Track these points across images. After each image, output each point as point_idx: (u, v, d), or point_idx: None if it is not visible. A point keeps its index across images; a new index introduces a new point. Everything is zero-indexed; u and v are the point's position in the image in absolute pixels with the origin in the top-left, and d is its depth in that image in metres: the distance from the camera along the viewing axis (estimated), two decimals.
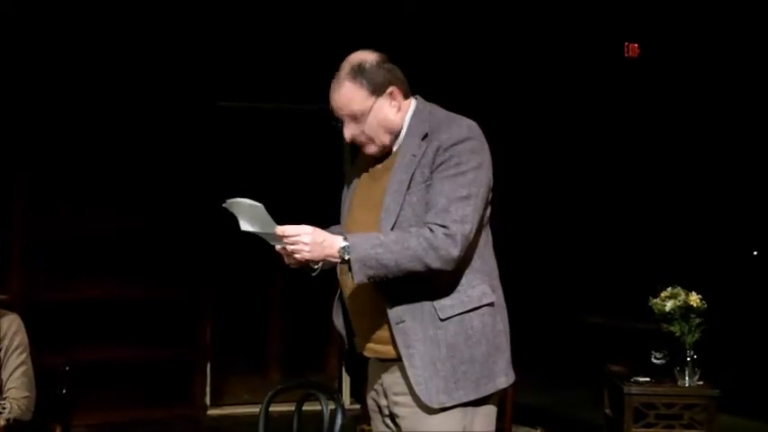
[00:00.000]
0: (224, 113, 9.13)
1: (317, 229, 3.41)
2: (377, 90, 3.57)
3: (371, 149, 3.64)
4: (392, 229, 3.46)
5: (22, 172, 8.27)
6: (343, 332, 3.82)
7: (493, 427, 3.66)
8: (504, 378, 3.61)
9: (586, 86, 9.70)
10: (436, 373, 3.45)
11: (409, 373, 3.47)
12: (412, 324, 3.46)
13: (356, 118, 3.58)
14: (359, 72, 3.57)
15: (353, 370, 3.88)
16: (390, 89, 3.59)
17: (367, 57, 3.61)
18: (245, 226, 3.47)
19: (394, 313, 3.47)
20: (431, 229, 3.39)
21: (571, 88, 9.75)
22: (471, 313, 3.50)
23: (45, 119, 8.44)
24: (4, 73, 8.20)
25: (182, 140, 8.85)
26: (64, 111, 8.53)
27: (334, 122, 3.66)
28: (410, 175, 3.50)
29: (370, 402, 3.81)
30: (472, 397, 3.50)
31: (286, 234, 3.38)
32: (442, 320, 3.46)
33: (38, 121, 8.40)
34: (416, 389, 3.46)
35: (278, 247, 3.52)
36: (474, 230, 3.47)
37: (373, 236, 3.42)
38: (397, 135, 3.62)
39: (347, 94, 3.57)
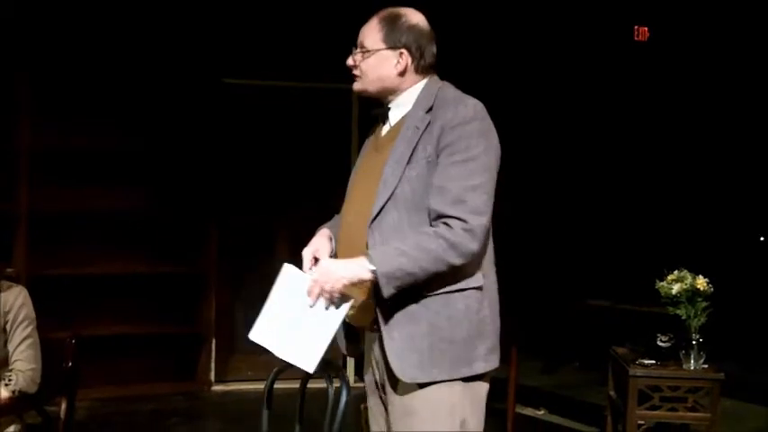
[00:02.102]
0: (229, 90, 9.12)
1: (333, 261, 3.50)
2: (390, 43, 3.61)
3: (357, 85, 3.70)
4: (387, 201, 3.46)
5: (28, 149, 8.27)
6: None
7: (483, 406, 3.63)
8: (482, 363, 3.53)
9: (595, 70, 9.67)
10: (413, 347, 3.43)
11: (386, 345, 3.46)
12: (397, 299, 3.41)
13: (362, 50, 3.64)
14: (389, 20, 3.64)
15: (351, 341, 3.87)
16: (402, 51, 3.61)
17: (410, 16, 3.68)
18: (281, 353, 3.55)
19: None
20: (448, 224, 3.37)
21: (580, 71, 9.72)
22: (456, 294, 3.47)
23: (48, 93, 8.45)
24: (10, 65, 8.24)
25: (187, 117, 8.86)
26: (69, 87, 8.54)
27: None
28: (411, 148, 3.49)
29: (367, 378, 3.81)
30: (445, 377, 3.46)
31: (312, 292, 3.43)
32: (425, 297, 3.43)
33: (43, 96, 8.41)
34: (390, 361, 3.45)
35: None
36: (489, 219, 3.46)
37: (391, 247, 3.40)
38: (388, 94, 3.66)
39: (367, 28, 3.67)
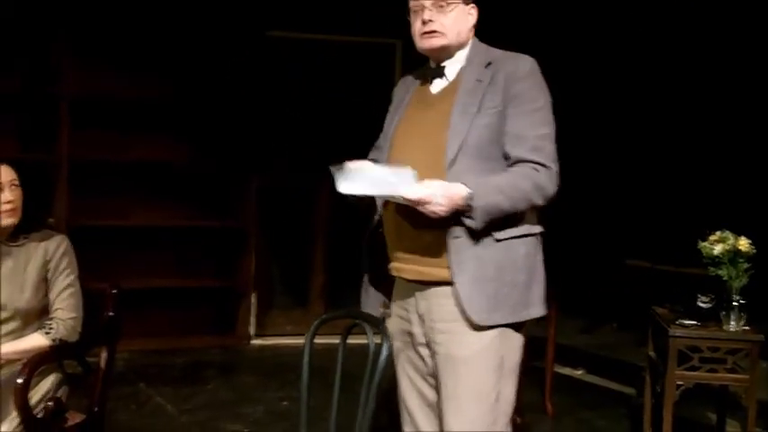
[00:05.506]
0: (273, 44, 9.11)
1: (443, 183, 3.45)
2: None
3: (437, 42, 3.69)
4: (459, 150, 3.52)
5: (69, 99, 8.29)
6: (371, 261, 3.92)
7: (520, 358, 3.75)
8: (538, 308, 3.70)
9: (637, 27, 9.55)
10: (481, 291, 3.53)
11: (457, 285, 3.53)
12: (467, 240, 3.51)
13: (442, 7, 3.66)
14: None
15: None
16: (473, 6, 3.73)
17: None
18: (347, 188, 3.52)
19: (452, 229, 3.52)
20: (535, 169, 3.52)
21: (621, 29, 9.61)
22: (520, 239, 3.60)
23: (92, 43, 8.48)
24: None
25: (231, 70, 8.88)
26: (112, 37, 8.57)
27: (407, 16, 3.75)
28: (478, 99, 3.58)
29: (400, 334, 3.84)
30: (508, 320, 3.60)
31: (422, 200, 3.40)
32: (495, 242, 3.54)
33: (86, 45, 8.43)
34: (463, 302, 3.53)
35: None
36: None
37: (490, 183, 3.49)
38: (458, 48, 3.73)
39: None
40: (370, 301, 3.93)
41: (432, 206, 3.39)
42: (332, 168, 3.55)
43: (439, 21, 3.65)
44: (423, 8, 3.66)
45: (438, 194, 3.39)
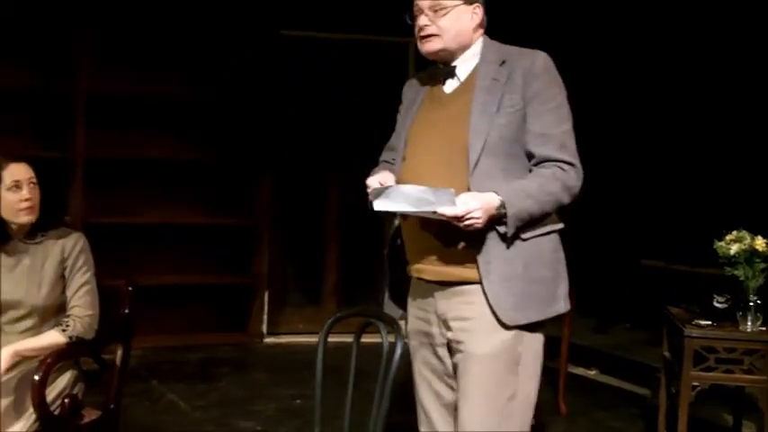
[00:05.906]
0: (286, 42, 9.11)
1: (476, 195, 3.44)
2: None
3: (434, 45, 3.67)
4: (482, 150, 3.49)
5: (85, 97, 8.31)
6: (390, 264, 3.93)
7: (541, 356, 3.72)
8: (563, 303, 3.69)
9: (656, 23, 9.51)
10: (509, 290, 3.52)
11: (485, 285, 3.51)
12: (493, 240, 3.50)
13: (437, 11, 3.63)
14: None
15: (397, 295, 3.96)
16: (477, 5, 3.68)
17: None
18: (383, 206, 3.50)
19: (478, 230, 3.49)
20: (562, 168, 3.53)
21: (640, 25, 9.57)
22: (545, 237, 3.60)
23: (107, 41, 8.51)
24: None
25: (244, 68, 8.89)
26: (127, 35, 8.58)
27: (407, 18, 3.73)
28: (497, 98, 3.56)
29: (417, 335, 3.85)
30: (541, 317, 3.60)
31: (461, 217, 3.39)
32: (522, 241, 3.53)
33: (101, 43, 8.45)
34: (491, 302, 3.51)
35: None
36: None
37: (519, 188, 3.49)
38: (461, 49, 3.69)
39: None
40: (390, 306, 3.94)
41: (470, 221, 3.38)
42: (369, 192, 3.55)
43: (435, 24, 3.62)
44: (421, 12, 3.66)
45: (475, 208, 3.37)
